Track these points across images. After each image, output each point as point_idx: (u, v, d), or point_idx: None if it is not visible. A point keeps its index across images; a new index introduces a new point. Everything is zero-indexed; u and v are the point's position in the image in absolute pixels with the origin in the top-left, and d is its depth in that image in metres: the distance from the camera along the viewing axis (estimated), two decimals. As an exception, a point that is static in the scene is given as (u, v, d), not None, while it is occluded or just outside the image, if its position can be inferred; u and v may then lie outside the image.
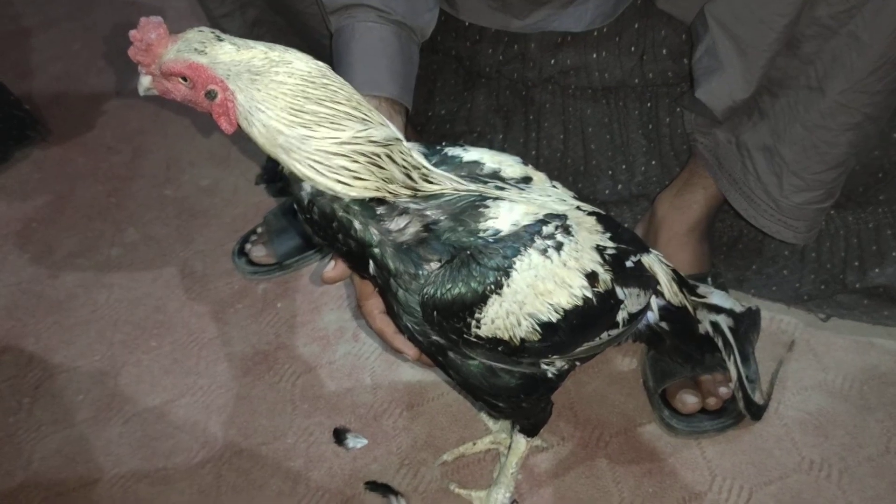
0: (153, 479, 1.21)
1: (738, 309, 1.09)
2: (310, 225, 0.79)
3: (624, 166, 1.42)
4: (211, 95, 0.73)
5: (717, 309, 1.07)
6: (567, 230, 0.82)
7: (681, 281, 1.02)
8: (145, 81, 0.75)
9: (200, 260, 1.55)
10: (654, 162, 1.40)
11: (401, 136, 0.78)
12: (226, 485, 1.19)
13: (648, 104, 1.35)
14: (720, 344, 1.08)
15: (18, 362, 1.39)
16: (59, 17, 2.36)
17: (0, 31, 2.10)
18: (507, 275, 0.78)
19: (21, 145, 1.87)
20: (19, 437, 1.27)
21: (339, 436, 1.23)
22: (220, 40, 0.73)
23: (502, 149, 1.42)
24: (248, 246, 1.51)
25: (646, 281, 0.94)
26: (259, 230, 1.53)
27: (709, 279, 1.25)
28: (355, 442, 1.22)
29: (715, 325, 1.07)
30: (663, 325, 1.01)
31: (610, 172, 1.43)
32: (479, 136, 1.47)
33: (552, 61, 1.33)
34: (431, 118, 1.48)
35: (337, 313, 1.42)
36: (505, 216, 0.80)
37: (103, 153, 1.84)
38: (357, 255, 0.80)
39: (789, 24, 1.00)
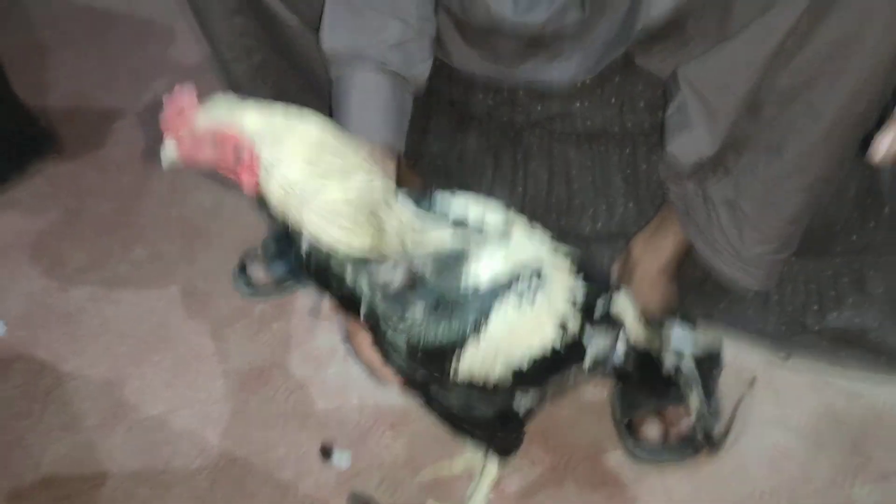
0: (153, 484, 1.29)
1: (700, 351, 1.17)
2: (308, 274, 0.87)
3: (604, 206, 1.51)
4: (237, 153, 0.80)
5: (681, 348, 1.15)
6: (541, 279, 0.90)
7: (647, 321, 1.10)
8: (170, 153, 0.83)
9: (203, 279, 1.63)
10: (631, 204, 1.49)
11: (395, 195, 0.87)
12: (220, 491, 1.28)
13: (627, 150, 1.43)
14: (683, 380, 1.16)
15: (30, 370, 1.47)
16: (74, 35, 2.44)
17: (17, 48, 2.16)
18: (485, 322, 0.87)
19: (36, 160, 1.94)
20: (30, 441, 1.35)
21: (326, 451, 1.31)
22: (245, 105, 0.81)
23: (492, 185, 1.53)
24: (247, 267, 1.60)
25: (613, 322, 1.02)
26: (258, 253, 1.61)
27: (676, 317, 1.33)
28: (341, 457, 1.31)
29: (678, 362, 1.15)
30: (629, 363, 1.07)
31: (591, 211, 1.52)
32: (471, 174, 1.56)
33: (539, 107, 1.41)
34: (425, 155, 1.57)
35: (329, 336, 1.50)
36: (485, 267, 0.88)
37: (113, 171, 1.92)
38: (349, 301, 0.88)
39: (751, 91, 1.08)
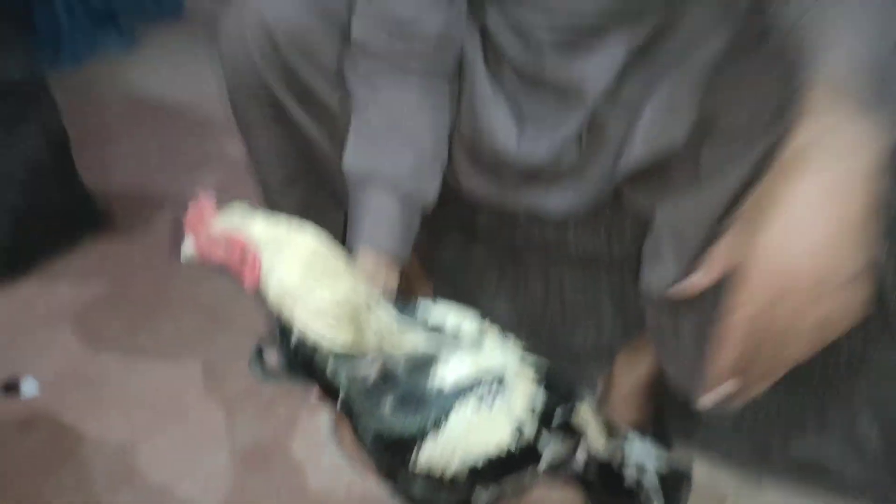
0: (153, 547, 1.40)
1: (664, 467, 1.23)
2: (296, 365, 0.98)
3: (594, 325, 1.62)
4: (244, 256, 0.91)
5: (643, 462, 1.23)
6: (502, 385, 1.00)
7: (610, 433, 1.17)
8: (189, 248, 0.94)
9: (220, 358, 1.76)
10: (618, 324, 1.59)
11: (377, 299, 0.99)
12: (210, 560, 1.38)
13: (615, 277, 1.55)
14: (644, 494, 1.23)
15: (54, 429, 1.59)
16: (138, 123, 2.65)
17: (85, 130, 2.29)
18: (446, 421, 0.96)
19: (86, 236, 2.12)
20: (46, 495, 1.46)
21: (312, 529, 1.42)
22: (254, 216, 0.93)
23: (495, 295, 1.65)
24: (262, 352, 1.72)
25: (572, 430, 1.10)
26: (273, 339, 1.74)
27: (646, 433, 1.42)
28: (325, 535, 1.41)
29: (640, 476, 1.22)
30: (589, 472, 1.14)
31: (582, 328, 1.63)
32: (477, 284, 1.69)
33: (537, 232, 1.53)
34: (436, 264, 1.71)
35: (329, 422, 1.60)
36: (453, 371, 0.98)
37: (152, 253, 2.08)
38: (331, 391, 0.98)
39: (714, 233, 1.18)
